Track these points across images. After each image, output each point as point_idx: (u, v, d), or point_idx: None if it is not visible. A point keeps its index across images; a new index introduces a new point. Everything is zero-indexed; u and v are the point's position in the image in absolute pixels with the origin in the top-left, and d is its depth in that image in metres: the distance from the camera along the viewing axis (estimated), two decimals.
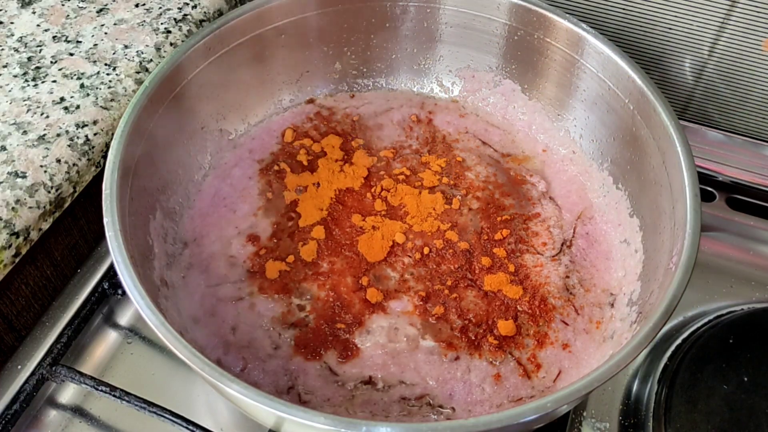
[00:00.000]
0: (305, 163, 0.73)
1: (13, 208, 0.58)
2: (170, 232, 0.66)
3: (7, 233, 0.58)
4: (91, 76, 0.68)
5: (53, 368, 0.62)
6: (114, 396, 0.59)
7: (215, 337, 0.60)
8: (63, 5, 0.75)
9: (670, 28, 0.77)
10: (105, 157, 0.63)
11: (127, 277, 0.51)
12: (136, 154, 0.60)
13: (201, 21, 0.76)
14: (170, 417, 0.58)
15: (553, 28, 0.70)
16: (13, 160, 0.61)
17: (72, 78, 0.68)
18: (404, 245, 0.66)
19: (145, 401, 0.59)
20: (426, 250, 0.66)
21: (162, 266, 0.62)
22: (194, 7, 0.76)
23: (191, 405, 0.63)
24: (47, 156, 0.62)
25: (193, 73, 0.67)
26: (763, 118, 0.81)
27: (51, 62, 0.69)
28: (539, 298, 0.63)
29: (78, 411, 0.63)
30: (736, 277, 0.72)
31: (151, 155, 0.63)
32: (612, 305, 0.63)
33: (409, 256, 0.66)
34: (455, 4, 0.74)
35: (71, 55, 0.70)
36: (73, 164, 0.63)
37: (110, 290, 0.69)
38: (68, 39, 0.72)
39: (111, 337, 0.68)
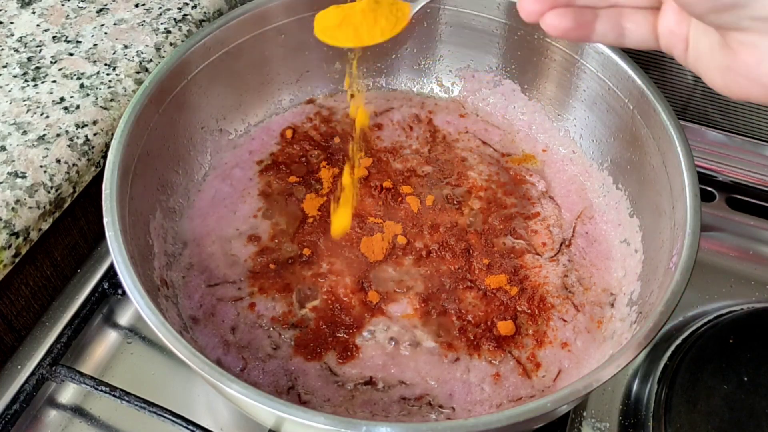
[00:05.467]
0: (305, 163, 0.73)
1: (12, 208, 0.58)
2: (170, 232, 0.66)
3: (7, 233, 0.58)
4: (91, 76, 0.68)
5: (53, 368, 0.62)
6: (114, 396, 0.59)
7: (215, 337, 0.60)
8: (63, 5, 0.75)
9: None
10: (105, 157, 0.63)
11: (127, 277, 0.51)
12: (136, 154, 0.60)
13: (201, 21, 0.76)
14: (170, 417, 0.58)
15: None
16: (13, 160, 0.61)
17: (72, 78, 0.68)
18: (404, 246, 0.66)
19: (145, 401, 0.59)
20: (426, 251, 0.66)
21: (162, 266, 0.62)
22: (194, 7, 0.76)
23: (191, 405, 0.63)
24: (47, 156, 0.62)
25: (193, 73, 0.67)
26: (763, 118, 0.81)
27: (51, 62, 0.69)
28: (538, 298, 0.63)
29: (78, 411, 0.63)
30: (736, 277, 0.72)
31: (151, 155, 0.63)
32: (612, 305, 0.63)
33: (410, 257, 0.66)
34: (455, 4, 0.74)
35: (71, 55, 0.70)
36: (73, 164, 0.63)
37: (110, 290, 0.69)
38: (68, 39, 0.72)
39: (111, 337, 0.68)
